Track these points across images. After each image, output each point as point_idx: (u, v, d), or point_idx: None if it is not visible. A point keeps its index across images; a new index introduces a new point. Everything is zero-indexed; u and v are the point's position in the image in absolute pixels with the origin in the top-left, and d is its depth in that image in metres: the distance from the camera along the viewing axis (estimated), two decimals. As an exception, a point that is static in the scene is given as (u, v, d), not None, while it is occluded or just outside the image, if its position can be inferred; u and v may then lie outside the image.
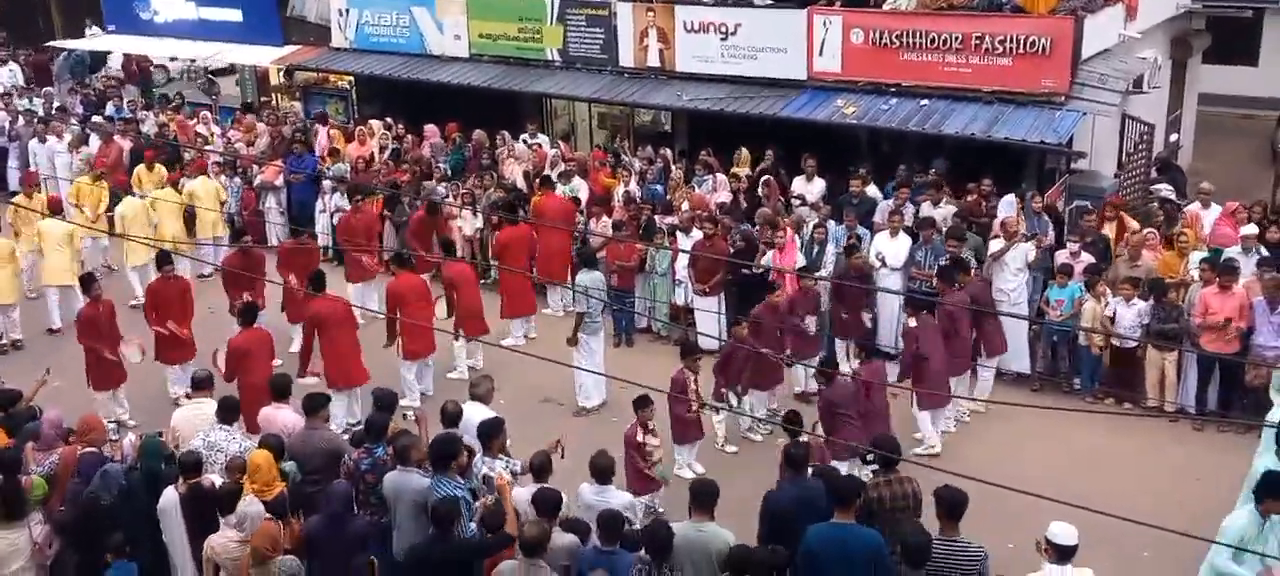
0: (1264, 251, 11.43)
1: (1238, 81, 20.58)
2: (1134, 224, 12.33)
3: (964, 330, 10.96)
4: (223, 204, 16.06)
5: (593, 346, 11.82)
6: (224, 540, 7.63)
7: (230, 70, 23.00)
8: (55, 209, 14.68)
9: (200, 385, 9.61)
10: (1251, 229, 11.59)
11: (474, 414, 8.87)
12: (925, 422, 10.69)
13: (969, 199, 13.17)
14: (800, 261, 12.32)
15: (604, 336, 12.32)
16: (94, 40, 23.83)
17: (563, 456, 8.56)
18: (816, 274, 12.04)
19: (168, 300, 12.09)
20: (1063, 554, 6.74)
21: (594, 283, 11.97)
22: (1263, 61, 21.28)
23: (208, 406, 9.24)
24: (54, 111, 20.44)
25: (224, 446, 8.48)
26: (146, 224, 14.93)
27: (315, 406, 8.82)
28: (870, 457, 8.17)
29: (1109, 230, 12.38)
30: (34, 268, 14.78)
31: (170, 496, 8.15)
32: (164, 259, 12.55)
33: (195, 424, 9.06)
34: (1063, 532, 6.73)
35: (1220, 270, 10.85)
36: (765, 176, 14.46)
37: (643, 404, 9.04)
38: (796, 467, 7.80)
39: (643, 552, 7.05)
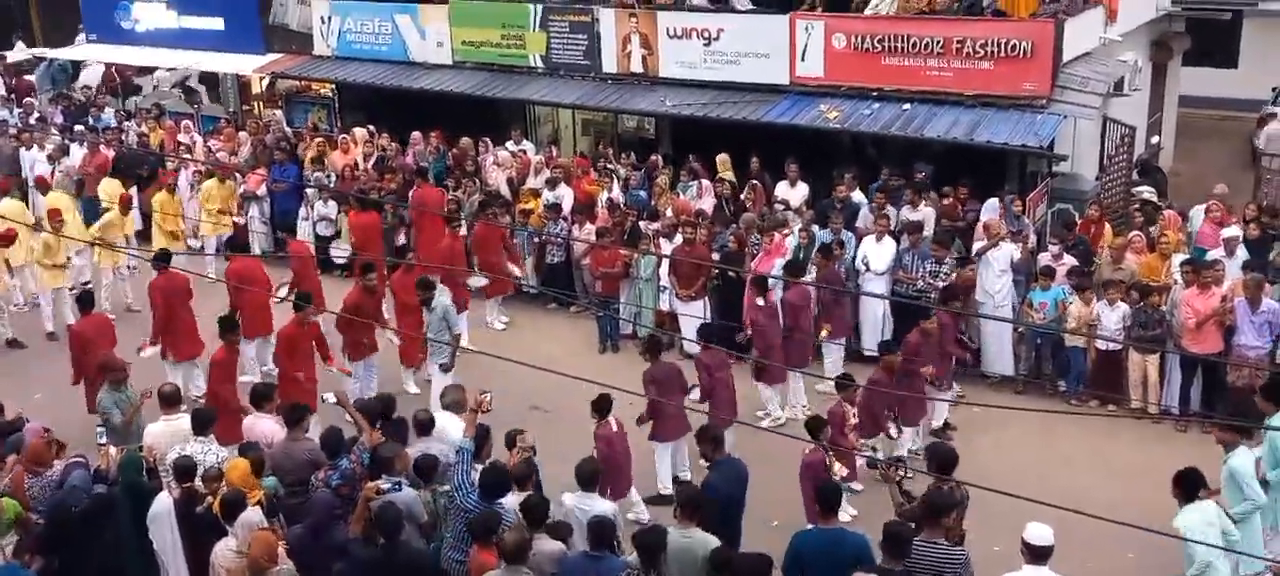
0: (1246, 253, 11.49)
1: (1218, 83, 20.72)
2: (1112, 237, 12.38)
3: (804, 320, 11.62)
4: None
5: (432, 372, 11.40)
6: (224, 549, 7.62)
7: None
8: None
9: (170, 401, 9.43)
10: (1233, 231, 11.64)
11: (447, 424, 8.86)
12: (766, 392, 11.40)
13: (947, 202, 13.23)
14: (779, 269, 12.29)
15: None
16: (74, 49, 23.66)
17: (489, 410, 8.14)
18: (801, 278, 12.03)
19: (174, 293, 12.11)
20: (1038, 554, 6.75)
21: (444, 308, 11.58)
22: (1242, 63, 21.42)
23: (182, 421, 9.17)
24: (34, 121, 20.29)
25: (200, 458, 8.41)
26: None
27: (297, 418, 8.80)
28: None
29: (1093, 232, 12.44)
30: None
31: (163, 502, 8.13)
32: (164, 257, 12.69)
33: (171, 439, 8.98)
34: (1038, 533, 6.75)
35: (1199, 269, 10.89)
36: (751, 182, 14.49)
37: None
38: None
39: (630, 558, 7.03)
